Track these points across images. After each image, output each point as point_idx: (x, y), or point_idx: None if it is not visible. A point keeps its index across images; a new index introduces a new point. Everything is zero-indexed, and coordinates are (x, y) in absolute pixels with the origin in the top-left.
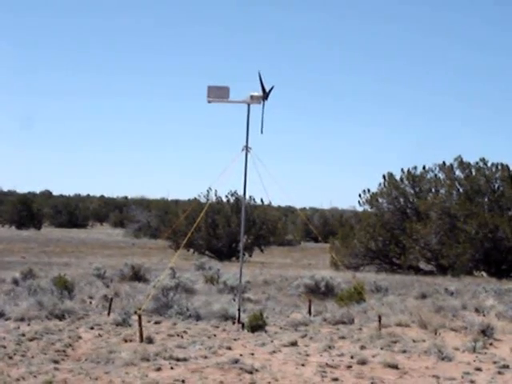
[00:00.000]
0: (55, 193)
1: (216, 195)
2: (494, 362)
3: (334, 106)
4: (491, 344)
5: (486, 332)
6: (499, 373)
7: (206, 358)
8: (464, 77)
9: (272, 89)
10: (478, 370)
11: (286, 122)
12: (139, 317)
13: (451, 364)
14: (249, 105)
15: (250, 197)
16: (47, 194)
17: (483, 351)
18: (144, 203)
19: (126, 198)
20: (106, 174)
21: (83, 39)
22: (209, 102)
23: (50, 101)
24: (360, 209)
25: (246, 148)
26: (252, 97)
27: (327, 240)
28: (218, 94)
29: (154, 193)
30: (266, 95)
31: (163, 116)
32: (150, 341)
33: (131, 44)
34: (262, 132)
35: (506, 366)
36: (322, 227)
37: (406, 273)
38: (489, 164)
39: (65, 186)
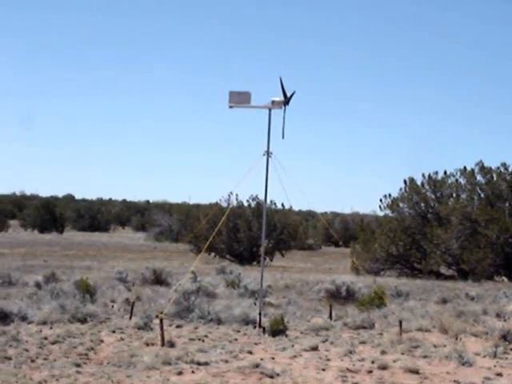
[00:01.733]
0: (78, 197)
1: (237, 199)
2: None
3: (355, 110)
4: None
5: (506, 337)
6: None
7: (227, 362)
8: (485, 82)
9: (293, 94)
10: (499, 375)
11: (307, 127)
12: (161, 321)
13: (472, 369)
14: (270, 110)
15: (271, 201)
16: (70, 198)
17: (504, 356)
18: (166, 207)
19: (147, 201)
20: (128, 179)
21: (109, 40)
22: (230, 107)
23: (73, 104)
24: (381, 213)
25: (268, 153)
26: (273, 102)
27: (348, 244)
28: (240, 99)
29: (175, 197)
30: (287, 100)
31: (185, 120)
32: (172, 345)
33: (152, 46)
34: (283, 137)
35: None
36: (343, 232)
37: (427, 277)
38: (510, 169)
39: (87, 190)
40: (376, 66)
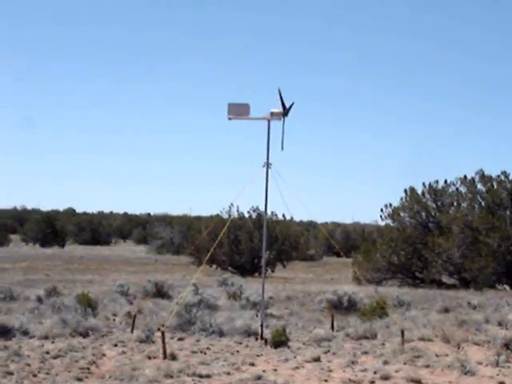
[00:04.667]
0: (78, 210)
1: (238, 211)
2: None
3: (355, 120)
4: None
5: (509, 346)
6: None
7: (229, 374)
8: (485, 90)
9: (292, 105)
10: (502, 383)
11: (306, 137)
12: (162, 333)
13: (474, 378)
14: (269, 121)
15: (272, 212)
16: (71, 212)
17: (506, 365)
18: (167, 220)
19: (148, 214)
20: (128, 192)
21: (103, 50)
22: (229, 119)
23: (73, 116)
24: (382, 223)
25: (267, 164)
26: (272, 113)
27: (349, 255)
28: (239, 111)
29: (176, 209)
30: (286, 111)
31: (185, 132)
32: (174, 357)
33: (152, 57)
34: (282, 148)
35: None
36: (344, 242)
37: (429, 287)
38: (510, 177)
39: (88, 203)
40: (376, 75)
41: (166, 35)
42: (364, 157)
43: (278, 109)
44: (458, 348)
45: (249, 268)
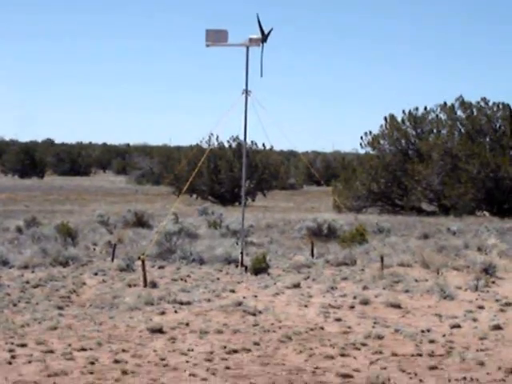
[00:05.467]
0: (57, 141)
1: (218, 140)
2: (497, 300)
3: (335, 47)
4: (493, 282)
5: (488, 270)
6: (501, 310)
7: (209, 301)
8: (465, 16)
9: (271, 31)
10: (481, 308)
11: (286, 65)
12: (143, 262)
13: (453, 303)
14: (248, 48)
15: (252, 141)
16: (49, 143)
17: (485, 289)
18: (146, 150)
19: (128, 145)
20: (107, 122)
21: None
22: (207, 45)
23: (52, 45)
24: (362, 151)
25: (246, 91)
26: (251, 39)
27: (329, 183)
28: (217, 37)
29: (156, 139)
30: (264, 38)
31: (163, 61)
32: (154, 285)
33: None
34: (261, 75)
35: (508, 304)
36: (325, 171)
37: (409, 214)
38: (490, 103)
39: (67, 134)
40: (357, 1)
41: None
42: (344, 85)
43: (257, 35)
44: (438, 273)
45: (229, 197)
